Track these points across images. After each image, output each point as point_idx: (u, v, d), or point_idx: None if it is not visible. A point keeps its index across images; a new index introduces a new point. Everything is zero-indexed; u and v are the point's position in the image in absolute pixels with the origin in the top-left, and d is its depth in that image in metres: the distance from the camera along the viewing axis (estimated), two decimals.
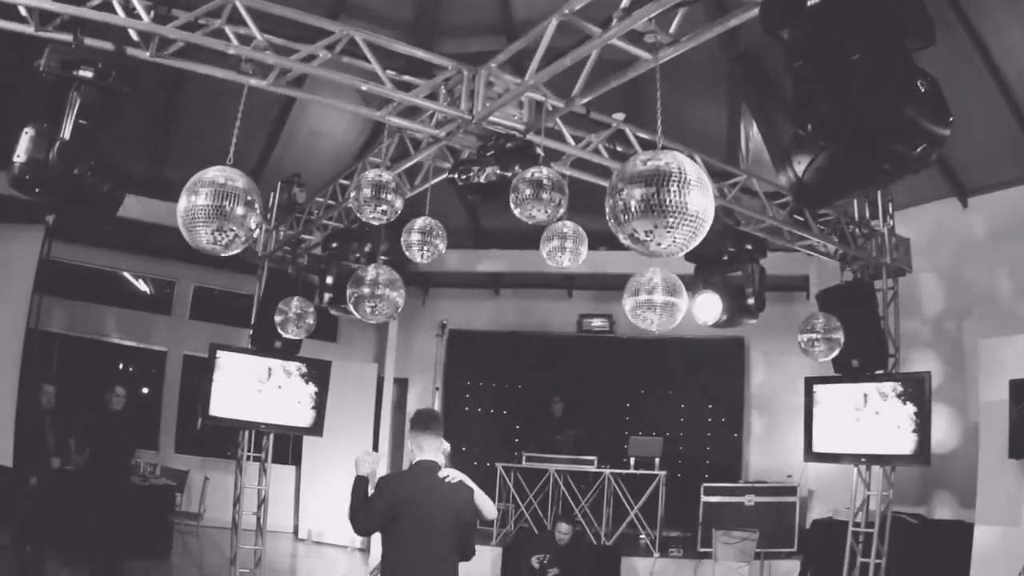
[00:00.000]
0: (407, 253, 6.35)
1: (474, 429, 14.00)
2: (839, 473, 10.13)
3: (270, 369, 9.48)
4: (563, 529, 9.07)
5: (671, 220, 3.18)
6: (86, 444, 9.14)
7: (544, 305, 14.41)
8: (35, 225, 8.72)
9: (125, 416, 9.23)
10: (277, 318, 8.40)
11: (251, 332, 9.57)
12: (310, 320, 8.47)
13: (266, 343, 9.39)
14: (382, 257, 7.71)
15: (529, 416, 13.51)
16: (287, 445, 14.04)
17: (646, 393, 13.68)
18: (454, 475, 4.75)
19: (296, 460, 14.06)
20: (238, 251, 4.52)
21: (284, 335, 8.52)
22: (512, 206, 5.23)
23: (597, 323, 13.66)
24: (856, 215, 8.66)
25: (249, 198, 4.39)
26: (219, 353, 9.37)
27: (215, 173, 4.40)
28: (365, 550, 12.14)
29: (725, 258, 7.68)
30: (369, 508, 4.62)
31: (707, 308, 7.46)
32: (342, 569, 11.70)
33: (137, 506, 9.98)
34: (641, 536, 11.04)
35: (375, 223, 5.75)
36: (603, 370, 13.74)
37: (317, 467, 13.51)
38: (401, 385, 14.65)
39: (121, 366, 14.11)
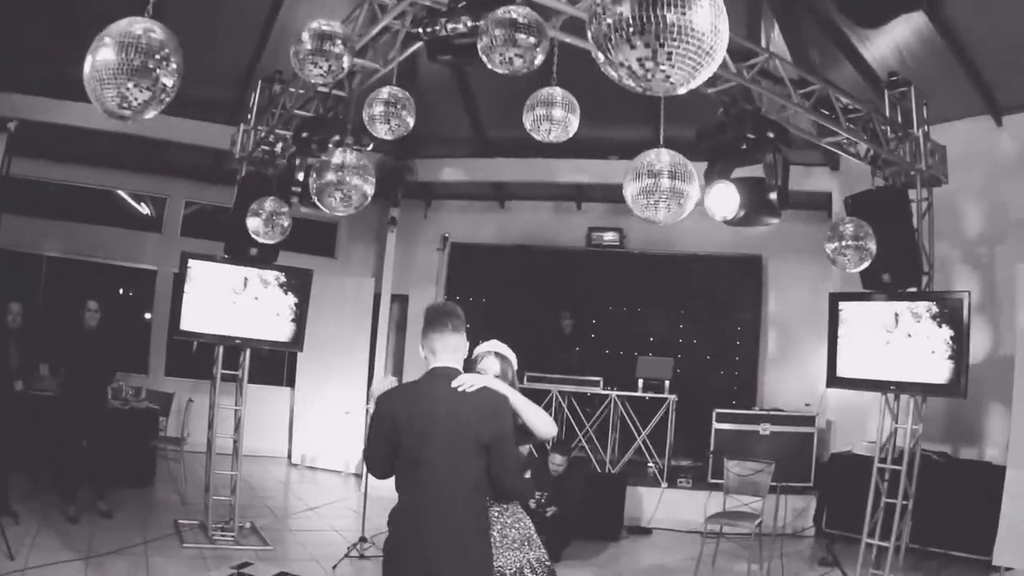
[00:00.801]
0: (370, 128, 5.60)
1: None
2: (861, 404, 9.50)
3: (246, 279, 8.70)
4: (557, 461, 8.38)
5: (670, 43, 2.33)
6: (60, 365, 8.47)
7: (552, 218, 13.56)
8: None
9: (101, 335, 8.55)
10: (248, 219, 7.62)
11: (226, 240, 8.75)
12: (284, 222, 7.68)
13: (241, 251, 8.59)
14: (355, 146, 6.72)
15: (536, 334, 12.76)
16: (281, 365, 13.44)
17: (657, 312, 12.86)
18: (473, 380, 3.59)
19: (291, 382, 13.40)
20: (152, 115, 3.62)
21: (257, 239, 7.74)
22: (483, 57, 4.34)
23: (607, 237, 12.80)
24: (887, 113, 7.72)
25: (165, 51, 3.50)
26: (191, 263, 8.58)
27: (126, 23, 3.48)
28: (360, 475, 11.52)
29: (744, 147, 6.62)
30: (369, 439, 3.66)
31: (722, 200, 6.36)
32: (335, 495, 11.06)
33: (117, 431, 9.34)
34: (649, 465, 10.36)
35: (321, 85, 4.90)
36: (613, 287, 12.96)
37: (311, 389, 12.84)
38: (401, 302, 13.99)
39: (115, 288, 13.48)
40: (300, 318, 8.88)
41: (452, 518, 3.44)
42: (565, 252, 13.26)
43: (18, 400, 8.34)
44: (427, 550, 3.41)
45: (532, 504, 8.00)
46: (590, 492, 8.92)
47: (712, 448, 10.31)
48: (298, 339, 8.93)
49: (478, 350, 4.11)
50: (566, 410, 10.70)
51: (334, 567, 7.50)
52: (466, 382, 3.55)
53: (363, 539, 7.93)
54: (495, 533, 3.74)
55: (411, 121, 5.68)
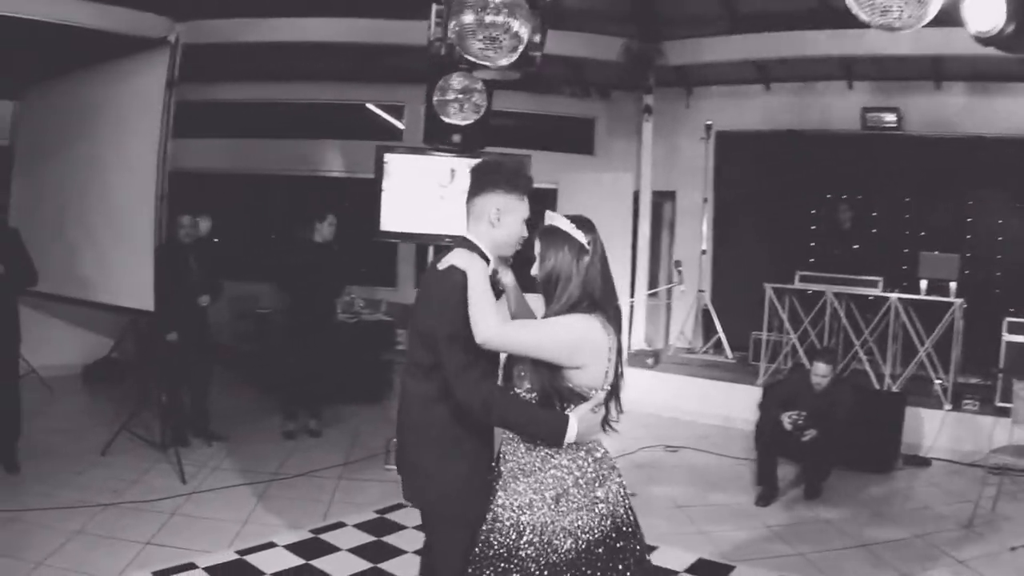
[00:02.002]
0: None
1: (748, 246, 11.75)
2: None
3: (452, 170, 7.75)
4: (820, 371, 6.81)
5: None
6: (285, 284, 7.98)
7: (821, 99, 11.52)
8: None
9: (329, 250, 8.01)
10: (435, 97, 6.63)
11: (423, 127, 7.79)
12: (477, 99, 6.62)
13: (442, 139, 7.61)
14: None
15: (808, 230, 11.06)
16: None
17: (941, 203, 10.67)
18: (449, 258, 2.89)
19: None
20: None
21: (446, 120, 6.73)
22: None
23: (884, 118, 10.68)
24: None
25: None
26: (387, 157, 7.77)
27: None
28: None
29: None
30: None
31: (981, 10, 4.37)
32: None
33: (345, 347, 8.95)
34: (936, 381, 8.46)
35: None
36: (890, 174, 10.88)
37: None
38: (667, 199, 12.70)
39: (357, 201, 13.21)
40: None
41: (407, 420, 3.07)
42: (837, 137, 11.30)
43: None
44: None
45: (788, 425, 6.56)
46: (861, 413, 7.18)
47: (1002, 365, 8.26)
48: None
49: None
50: (843, 316, 9.06)
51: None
52: (447, 259, 2.89)
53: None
54: (530, 480, 2.85)
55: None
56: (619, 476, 2.94)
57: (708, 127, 11.38)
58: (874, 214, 10.75)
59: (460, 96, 6.61)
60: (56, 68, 8.79)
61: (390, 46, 10.37)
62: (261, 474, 6.77)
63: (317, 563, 5.10)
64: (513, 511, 2.82)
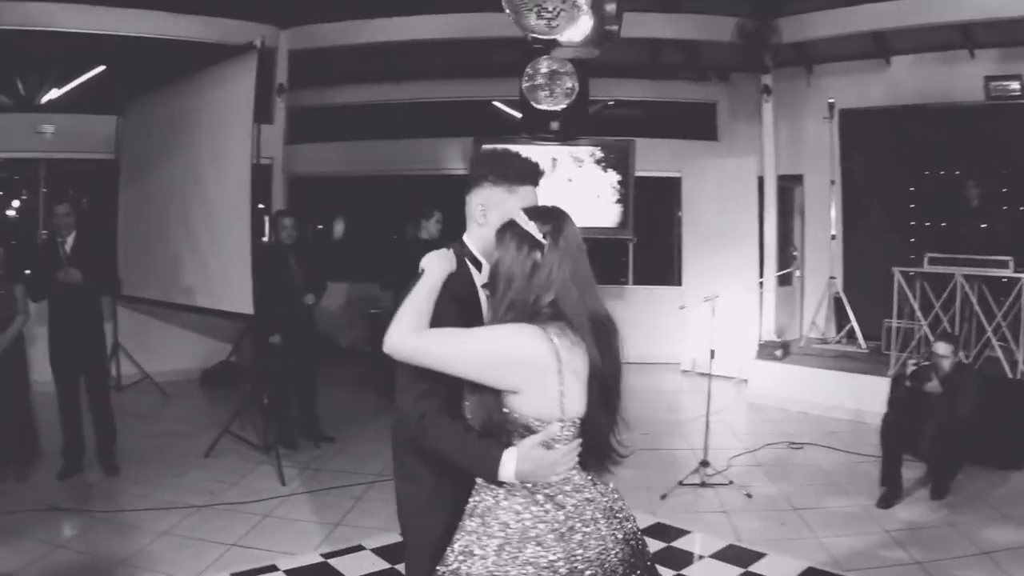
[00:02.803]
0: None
1: (877, 229, 11.19)
2: None
3: (554, 159, 7.52)
4: (941, 350, 6.26)
5: None
6: (391, 284, 7.89)
7: (942, 70, 10.77)
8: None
9: (434, 245, 7.77)
10: (523, 84, 6.41)
11: (520, 116, 7.57)
12: (566, 82, 6.38)
13: (539, 128, 7.38)
14: None
15: (934, 209, 10.41)
16: (669, 263, 12.13)
17: None
18: (423, 260, 2.54)
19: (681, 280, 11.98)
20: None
21: (537, 106, 6.50)
22: None
23: (1008, 87, 9.86)
24: None
25: None
26: (484, 148, 7.55)
27: None
28: (745, 381, 10.03)
29: None
30: None
31: None
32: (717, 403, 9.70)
33: None
34: None
35: None
36: (1018, 146, 10.06)
37: (698, 286, 11.31)
38: (794, 183, 12.20)
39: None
40: (625, 198, 7.48)
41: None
42: (960, 109, 10.58)
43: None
44: None
45: (911, 369, 6.13)
46: (991, 403, 6.52)
47: None
48: (625, 222, 7.54)
49: None
50: (974, 301, 8.36)
51: (663, 497, 6.23)
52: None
53: (704, 463, 6.57)
54: (477, 522, 2.36)
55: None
56: (616, 532, 2.33)
57: (831, 105, 10.78)
58: (1004, 190, 9.96)
59: (548, 81, 6.41)
60: (155, 81, 8.98)
61: (496, 40, 10.26)
62: (363, 476, 6.68)
63: (402, 567, 4.94)
64: (457, 556, 2.33)
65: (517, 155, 2.70)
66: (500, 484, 2.29)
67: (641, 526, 2.48)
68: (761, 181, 11.23)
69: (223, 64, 7.53)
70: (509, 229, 2.37)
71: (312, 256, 7.79)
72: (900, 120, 11.12)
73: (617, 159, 7.43)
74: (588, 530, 2.27)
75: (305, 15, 10.18)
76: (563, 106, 6.53)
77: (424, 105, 12.60)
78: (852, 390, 8.81)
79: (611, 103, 11.62)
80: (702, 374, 11.06)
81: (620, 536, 2.32)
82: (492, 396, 2.26)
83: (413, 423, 2.37)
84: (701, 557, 5.17)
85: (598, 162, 7.38)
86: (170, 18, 9.71)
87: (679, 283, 11.69)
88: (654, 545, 5.00)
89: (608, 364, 2.36)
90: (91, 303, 6.59)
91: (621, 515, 2.37)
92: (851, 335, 10.30)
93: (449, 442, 2.35)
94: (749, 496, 6.27)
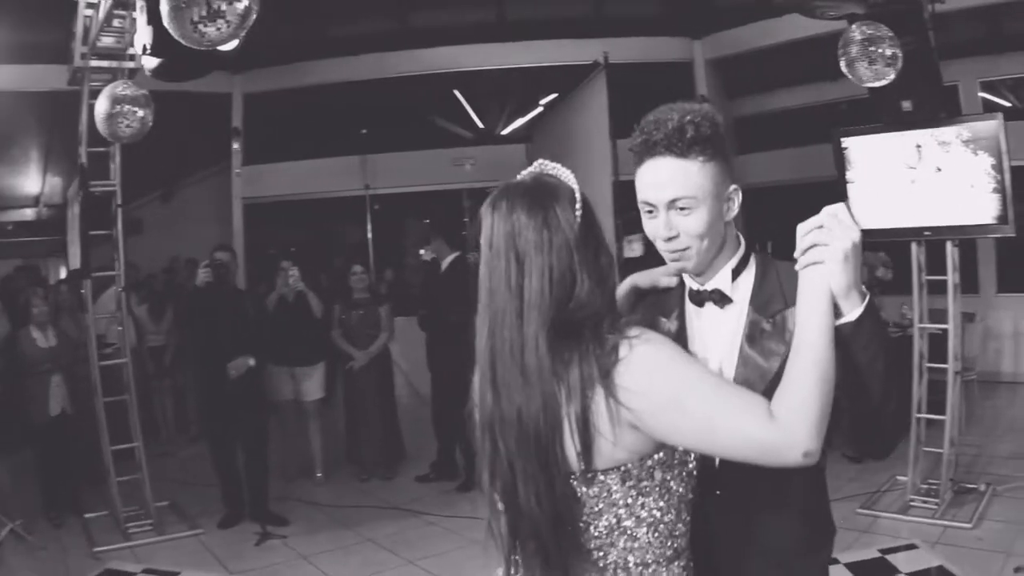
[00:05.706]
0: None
1: None
2: None
3: (918, 146, 6.47)
4: None
5: None
6: None
7: None
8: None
9: None
10: (841, 60, 5.78)
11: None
12: (885, 50, 5.59)
13: (888, 110, 6.47)
14: None
15: None
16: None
17: None
18: None
19: None
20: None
21: (861, 83, 5.80)
22: None
23: None
24: None
25: None
26: (845, 142, 6.72)
27: None
28: None
29: None
30: None
31: None
32: None
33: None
34: None
35: None
36: None
37: None
38: None
39: None
40: (1002, 184, 6.23)
41: None
42: None
43: None
44: None
45: None
46: None
47: None
48: (1005, 215, 6.25)
49: None
50: None
51: None
52: None
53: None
54: None
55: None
56: None
57: None
58: None
59: (865, 51, 5.65)
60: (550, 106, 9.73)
61: None
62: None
63: None
64: None
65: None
66: None
67: None
68: None
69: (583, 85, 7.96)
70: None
71: None
72: None
73: (985, 139, 6.22)
74: None
75: (721, 21, 10.28)
76: (888, 79, 5.70)
77: None
78: None
79: None
80: None
81: None
82: None
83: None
84: None
85: (966, 143, 6.20)
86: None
87: None
88: None
89: None
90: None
91: None
92: None
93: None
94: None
